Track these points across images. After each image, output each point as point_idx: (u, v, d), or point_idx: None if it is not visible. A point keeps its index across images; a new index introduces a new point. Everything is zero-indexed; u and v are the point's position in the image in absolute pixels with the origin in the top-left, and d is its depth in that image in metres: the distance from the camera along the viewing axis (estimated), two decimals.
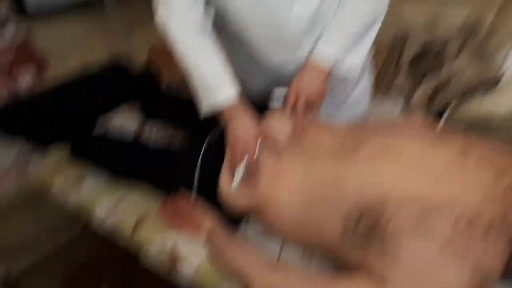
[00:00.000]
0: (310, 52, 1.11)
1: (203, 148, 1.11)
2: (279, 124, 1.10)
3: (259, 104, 1.17)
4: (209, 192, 1.06)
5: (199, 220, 1.05)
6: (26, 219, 1.87)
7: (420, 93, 1.70)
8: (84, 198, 1.32)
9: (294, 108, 1.10)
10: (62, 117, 1.30)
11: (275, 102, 1.22)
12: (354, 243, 0.81)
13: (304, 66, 1.11)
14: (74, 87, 1.32)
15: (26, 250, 1.91)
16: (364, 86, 1.35)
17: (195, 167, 1.08)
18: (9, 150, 1.84)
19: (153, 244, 1.11)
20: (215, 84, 1.05)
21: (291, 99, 1.10)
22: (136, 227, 1.16)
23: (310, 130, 1.05)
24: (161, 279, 1.26)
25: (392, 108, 1.70)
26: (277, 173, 0.98)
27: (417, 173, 0.81)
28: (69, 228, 1.87)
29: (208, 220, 1.05)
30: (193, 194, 1.09)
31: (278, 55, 1.15)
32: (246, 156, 1.01)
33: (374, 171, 0.84)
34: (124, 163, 1.29)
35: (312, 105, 1.10)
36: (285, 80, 1.17)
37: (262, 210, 1.00)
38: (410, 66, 1.85)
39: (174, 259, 1.06)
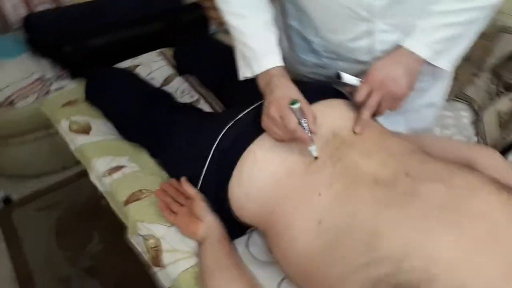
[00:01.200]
0: (386, 32, 0.89)
1: (224, 129, 0.90)
2: (329, 117, 0.87)
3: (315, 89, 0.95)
4: (218, 187, 0.87)
5: (196, 221, 0.87)
6: (33, 148, 1.76)
7: (492, 113, 1.42)
8: (86, 148, 1.16)
9: (362, 103, 0.86)
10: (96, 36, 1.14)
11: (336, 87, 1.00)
12: None
13: (392, 53, 0.88)
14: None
15: (27, 180, 1.82)
16: (436, 95, 1.09)
17: (210, 151, 0.89)
18: (36, 66, 1.72)
19: (141, 228, 0.94)
20: (262, 48, 0.88)
21: (363, 92, 0.86)
22: (128, 201, 1.00)
23: (359, 141, 0.82)
24: None
25: (455, 121, 1.43)
26: (301, 193, 0.76)
27: (491, 255, 0.58)
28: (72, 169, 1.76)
29: (205, 225, 0.86)
30: (199, 185, 0.90)
31: (346, 31, 0.92)
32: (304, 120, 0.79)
33: (428, 238, 0.60)
34: (136, 121, 1.11)
35: (387, 106, 0.87)
36: (352, 65, 0.95)
37: (270, 233, 0.80)
38: (493, 74, 1.54)
39: (158, 252, 0.89)
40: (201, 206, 0.88)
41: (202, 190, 0.90)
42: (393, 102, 0.86)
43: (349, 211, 0.69)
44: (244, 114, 0.93)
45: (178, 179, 0.95)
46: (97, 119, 1.25)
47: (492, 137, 1.29)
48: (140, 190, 1.01)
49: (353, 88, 0.90)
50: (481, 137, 1.30)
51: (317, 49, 1.01)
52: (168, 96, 1.22)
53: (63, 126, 1.26)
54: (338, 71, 0.90)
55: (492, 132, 1.30)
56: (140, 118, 1.11)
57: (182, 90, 1.39)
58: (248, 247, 0.89)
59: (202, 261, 0.82)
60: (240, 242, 0.90)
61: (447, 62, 0.89)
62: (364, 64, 0.94)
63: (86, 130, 1.22)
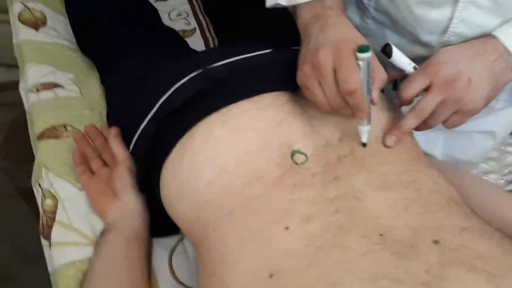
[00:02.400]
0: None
1: (188, 76, 0.60)
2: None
3: None
4: (151, 163, 0.58)
5: (111, 195, 0.59)
6: None
7: None
8: (27, 46, 0.88)
9: (408, 102, 0.56)
10: None
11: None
12: None
13: (476, 42, 0.56)
14: None
15: None
16: (501, 123, 0.76)
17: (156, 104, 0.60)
18: None
19: (43, 178, 0.67)
20: None
21: (417, 85, 0.54)
22: (43, 134, 0.72)
23: (377, 160, 0.53)
24: None
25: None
26: (260, 216, 0.47)
27: None
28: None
29: (121, 207, 0.59)
30: (131, 148, 0.62)
31: None
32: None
33: None
34: (98, 28, 0.82)
35: (447, 119, 0.56)
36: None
37: (201, 260, 0.52)
38: None
39: (51, 221, 0.62)
40: (124, 178, 0.60)
41: (133, 157, 0.62)
42: (459, 116, 0.55)
43: (326, 278, 0.41)
44: (230, 62, 0.63)
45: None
46: (57, 13, 0.96)
47: None
48: (64, 126, 0.73)
49: (400, 74, 0.59)
50: None
51: (365, 3, 0.68)
52: (151, 14, 0.91)
53: (14, 11, 0.96)
54: (389, 42, 0.58)
55: None
56: (104, 25, 0.81)
57: (179, 13, 1.08)
58: (172, 260, 0.62)
59: (93, 258, 0.55)
60: (165, 245, 0.63)
61: None
62: (426, 47, 0.63)
63: (37, 24, 0.93)
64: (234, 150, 0.51)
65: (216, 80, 0.56)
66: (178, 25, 1.04)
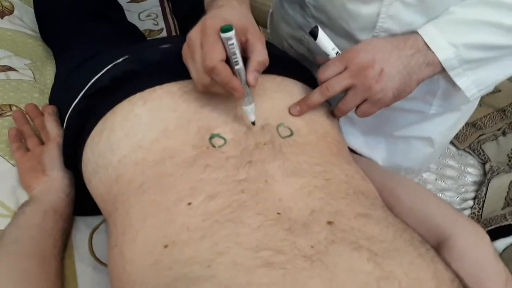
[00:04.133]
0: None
1: (119, 59, 0.62)
2: (269, 99, 0.59)
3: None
4: (77, 139, 0.59)
5: (39, 171, 0.60)
6: None
7: (504, 182, 1.11)
8: None
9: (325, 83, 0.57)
10: None
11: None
12: None
13: (398, 37, 0.58)
14: None
15: None
16: (436, 130, 0.77)
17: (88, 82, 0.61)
18: None
19: None
20: None
21: (333, 68, 0.56)
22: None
23: (294, 149, 0.54)
24: None
25: (456, 175, 1.13)
26: (165, 190, 0.48)
27: None
28: None
29: (46, 182, 0.59)
30: (64, 125, 0.63)
31: None
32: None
33: None
34: (57, 16, 0.84)
35: (356, 105, 0.58)
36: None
37: (110, 235, 0.52)
38: None
39: None
40: (52, 155, 0.61)
41: (64, 134, 0.63)
42: (369, 104, 0.57)
43: (215, 248, 0.42)
44: (164, 47, 0.64)
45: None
46: (26, 4, 0.98)
47: (489, 210, 0.99)
48: (9, 105, 0.74)
49: (325, 59, 0.61)
50: (477, 204, 1.01)
51: (306, 1, 0.70)
52: (115, 9, 0.93)
53: None
54: (317, 25, 0.60)
55: (493, 204, 1.00)
56: (65, 14, 0.84)
57: (148, 14, 1.11)
58: (92, 237, 0.62)
59: (6, 226, 0.55)
60: (90, 224, 0.64)
61: (471, 85, 0.58)
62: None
63: (3, 12, 0.95)
64: (151, 128, 0.52)
65: (147, 63, 0.58)
66: (146, 25, 1.07)
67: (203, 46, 0.48)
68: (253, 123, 0.53)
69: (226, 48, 0.48)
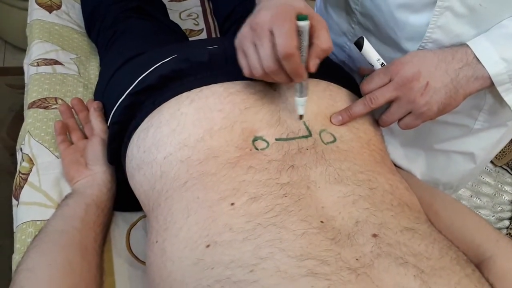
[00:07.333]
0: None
1: (168, 58, 0.63)
2: (314, 104, 0.58)
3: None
4: (122, 135, 0.60)
5: (82, 164, 0.62)
6: None
7: None
8: (38, 25, 0.92)
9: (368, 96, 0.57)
10: None
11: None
12: None
13: (446, 50, 0.56)
14: None
15: None
16: (479, 146, 0.74)
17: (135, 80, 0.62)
18: None
19: (25, 143, 0.69)
20: None
21: (377, 80, 0.56)
22: (34, 103, 0.75)
23: (338, 155, 0.54)
24: None
25: (493, 192, 1.10)
26: (208, 189, 0.48)
27: None
28: None
29: (88, 176, 0.61)
30: (109, 122, 0.65)
31: None
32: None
33: None
34: (103, 14, 0.86)
35: (399, 117, 0.57)
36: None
37: (150, 232, 0.53)
38: None
39: (24, 182, 0.65)
40: (95, 150, 0.63)
41: (110, 130, 0.64)
42: (413, 117, 0.56)
43: (257, 252, 0.42)
44: (212, 48, 0.64)
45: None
46: (74, 1, 1.01)
47: None
48: (55, 98, 0.77)
49: (370, 70, 0.60)
50: None
51: (352, 7, 0.69)
52: (158, 8, 0.95)
53: None
54: (363, 36, 0.60)
55: None
56: (110, 11, 0.86)
57: (189, 14, 1.12)
58: (130, 233, 0.63)
59: (50, 217, 0.57)
60: (128, 220, 0.65)
61: None
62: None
63: (51, 7, 0.97)
64: (197, 127, 0.53)
65: (195, 63, 0.58)
66: (187, 25, 1.08)
67: (276, 31, 0.46)
68: (301, 117, 0.53)
69: (301, 36, 0.48)
